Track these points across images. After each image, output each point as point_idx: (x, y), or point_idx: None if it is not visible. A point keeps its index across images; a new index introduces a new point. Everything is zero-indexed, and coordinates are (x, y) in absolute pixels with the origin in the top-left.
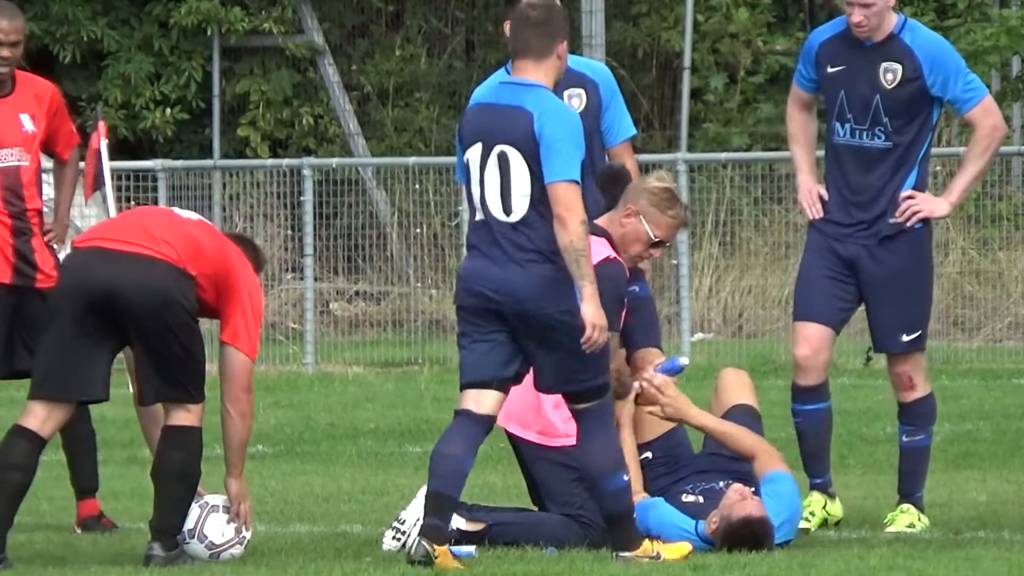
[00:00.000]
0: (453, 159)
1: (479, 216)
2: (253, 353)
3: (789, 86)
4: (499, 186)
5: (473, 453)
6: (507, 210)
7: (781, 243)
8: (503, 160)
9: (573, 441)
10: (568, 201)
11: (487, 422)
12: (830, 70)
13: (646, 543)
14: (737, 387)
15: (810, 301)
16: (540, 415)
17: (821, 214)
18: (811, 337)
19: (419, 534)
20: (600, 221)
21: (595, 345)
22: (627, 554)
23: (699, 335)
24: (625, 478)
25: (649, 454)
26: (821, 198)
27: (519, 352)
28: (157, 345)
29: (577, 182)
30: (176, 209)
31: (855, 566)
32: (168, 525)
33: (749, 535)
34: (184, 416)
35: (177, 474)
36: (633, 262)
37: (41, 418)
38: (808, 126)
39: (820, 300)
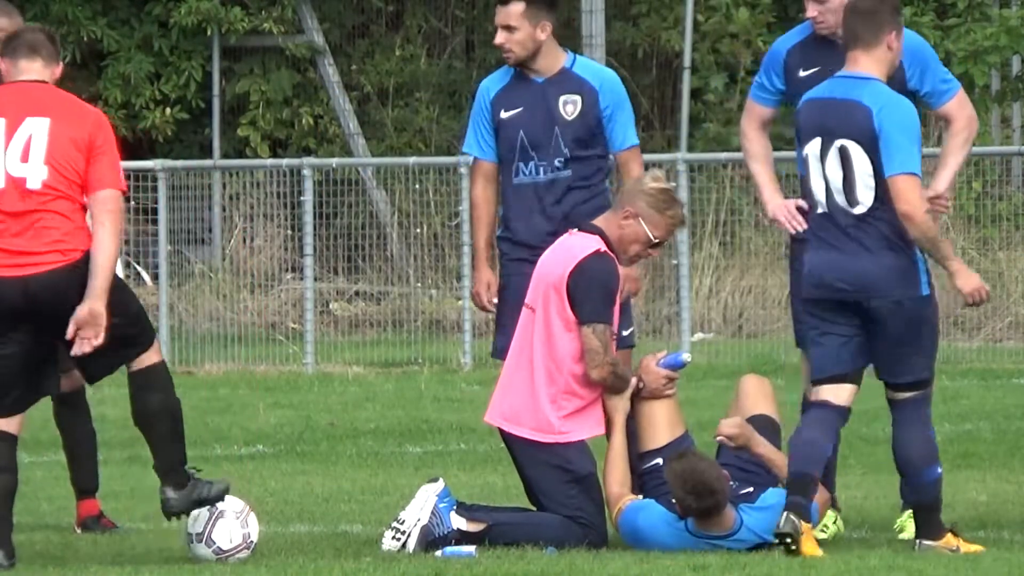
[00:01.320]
0: (453, 159)
1: (821, 209)
2: (119, 184)
3: None
4: (842, 179)
5: (832, 439)
6: (852, 202)
7: (781, 243)
8: (844, 154)
9: (567, 439)
10: (909, 195)
11: (845, 413)
12: (802, 74)
13: (949, 536)
14: (757, 396)
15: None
16: (537, 411)
17: (804, 225)
18: None
19: (786, 509)
20: (597, 221)
21: (979, 297)
22: (930, 543)
23: (699, 335)
24: (939, 470)
25: (659, 460)
26: (800, 209)
27: (866, 341)
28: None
29: (916, 174)
30: (28, 179)
31: (855, 566)
32: (172, 462)
33: (689, 478)
34: (146, 356)
35: (163, 413)
36: (631, 262)
37: (5, 420)
38: (767, 144)
39: None
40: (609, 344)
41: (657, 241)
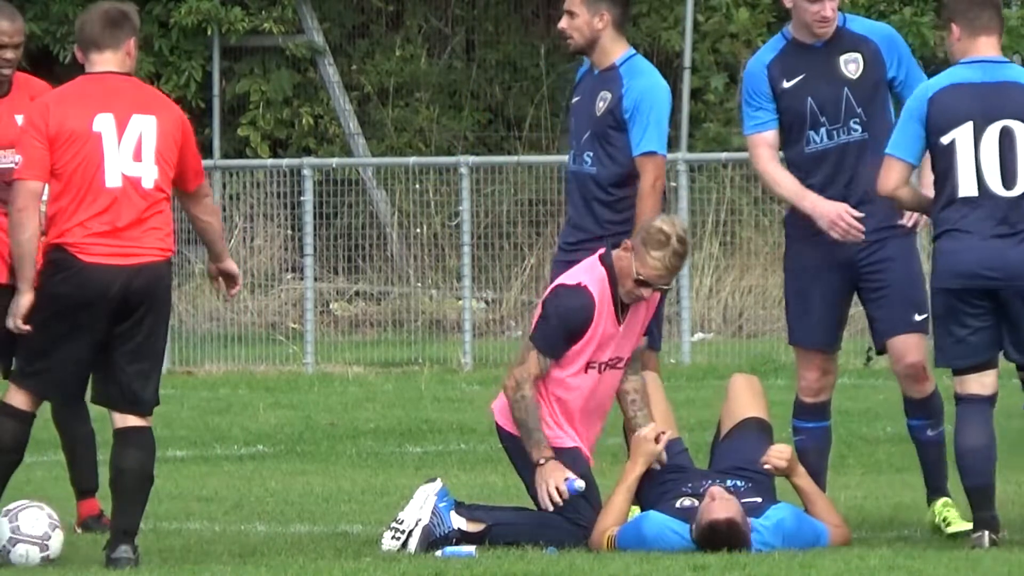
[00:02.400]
0: (453, 159)
1: (969, 193)
2: (203, 175)
3: None
4: (999, 161)
5: (991, 434)
6: (1009, 184)
7: (781, 243)
8: (1006, 135)
9: (558, 443)
10: None
11: (995, 399)
12: (787, 84)
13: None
14: (747, 397)
15: (811, 328)
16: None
17: (863, 235)
18: (817, 361)
19: (978, 527)
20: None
21: None
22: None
23: (699, 335)
24: None
25: (656, 463)
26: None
27: (998, 323)
28: (153, 339)
29: None
30: (143, 179)
31: (855, 566)
32: (135, 526)
33: (717, 537)
34: (140, 416)
35: (143, 475)
36: (629, 298)
37: (29, 401)
38: (789, 174)
39: (821, 327)
40: (529, 365)
41: (641, 279)
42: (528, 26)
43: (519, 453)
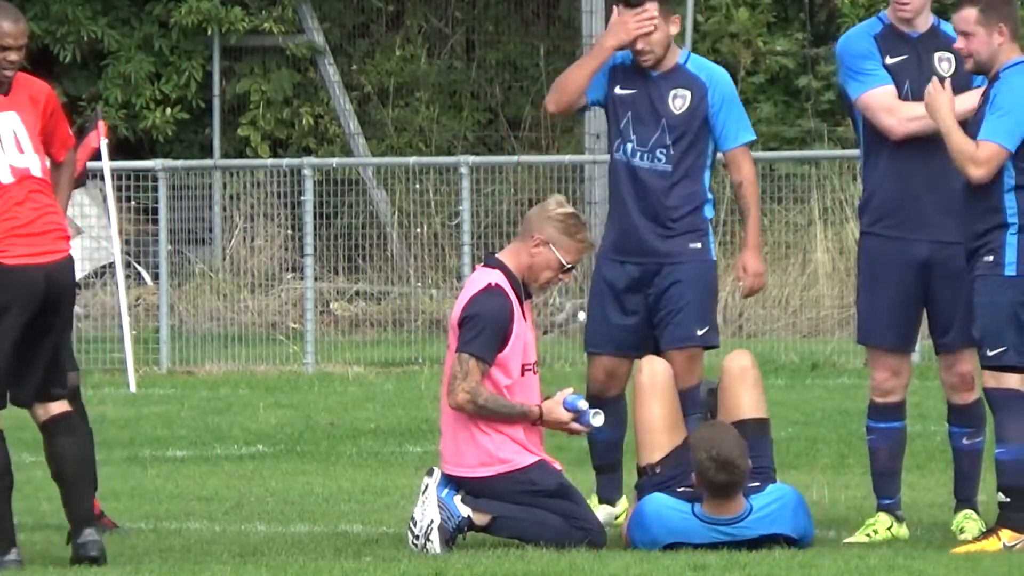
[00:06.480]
0: (453, 159)
1: None
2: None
3: (789, 86)
4: None
5: None
6: None
7: (781, 243)
8: None
9: (512, 466)
10: None
11: None
12: (890, 60)
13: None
14: (744, 389)
15: (881, 328)
16: (473, 446)
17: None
18: (888, 361)
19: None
20: (503, 253)
21: None
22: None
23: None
24: None
25: (658, 469)
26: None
27: None
28: (64, 331)
29: None
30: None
31: (855, 566)
32: (91, 512)
33: (724, 445)
34: (62, 402)
35: (83, 458)
36: (542, 290)
37: None
38: None
39: (893, 326)
40: (472, 374)
41: (569, 266)
42: (528, 26)
43: (487, 491)
